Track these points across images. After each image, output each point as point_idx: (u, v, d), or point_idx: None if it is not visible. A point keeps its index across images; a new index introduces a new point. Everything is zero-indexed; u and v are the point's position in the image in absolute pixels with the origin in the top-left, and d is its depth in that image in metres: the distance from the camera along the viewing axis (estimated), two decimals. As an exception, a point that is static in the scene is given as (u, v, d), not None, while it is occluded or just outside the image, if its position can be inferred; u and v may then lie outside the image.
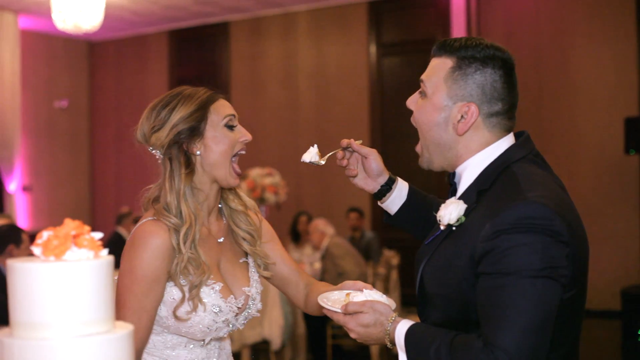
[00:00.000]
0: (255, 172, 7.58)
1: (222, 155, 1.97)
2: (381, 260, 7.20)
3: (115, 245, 7.11)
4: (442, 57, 1.79)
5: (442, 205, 1.74)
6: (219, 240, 2.05)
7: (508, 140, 1.78)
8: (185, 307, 1.89)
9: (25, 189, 10.48)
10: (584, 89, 8.46)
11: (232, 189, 2.09)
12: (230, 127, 2.00)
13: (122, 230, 7.68)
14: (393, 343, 1.73)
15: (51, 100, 11.08)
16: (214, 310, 1.92)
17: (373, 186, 2.12)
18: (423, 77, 1.82)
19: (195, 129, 1.95)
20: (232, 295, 1.98)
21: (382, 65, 9.53)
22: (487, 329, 1.56)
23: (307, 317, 6.10)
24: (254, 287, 2.06)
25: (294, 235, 7.82)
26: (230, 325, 2.00)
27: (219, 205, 2.10)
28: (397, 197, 2.13)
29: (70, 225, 1.21)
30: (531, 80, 8.50)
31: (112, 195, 11.42)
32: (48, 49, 11.05)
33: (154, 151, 1.98)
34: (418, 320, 1.82)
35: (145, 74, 11.30)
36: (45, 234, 1.20)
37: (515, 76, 1.78)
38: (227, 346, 2.11)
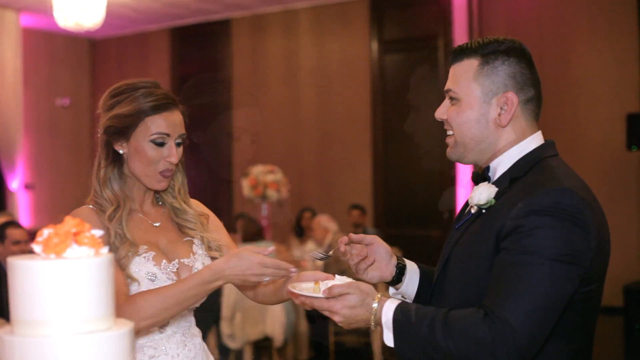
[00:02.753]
0: (257, 170, 7.58)
1: (142, 169, 1.96)
2: (383, 257, 7.18)
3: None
4: (463, 60, 1.82)
5: (474, 188, 1.77)
6: (155, 224, 2.03)
7: (539, 138, 1.82)
8: None
9: (27, 187, 10.48)
10: (585, 85, 8.44)
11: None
12: (159, 144, 1.95)
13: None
14: (378, 323, 1.69)
15: (53, 98, 11.07)
16: (149, 278, 1.90)
17: (390, 271, 1.98)
18: (449, 86, 1.83)
19: (122, 132, 1.95)
20: (164, 260, 1.95)
21: (383, 62, 9.51)
22: (492, 301, 1.56)
23: (309, 314, 6.10)
24: (199, 262, 2.01)
25: (298, 231, 7.81)
26: None
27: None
28: (411, 278, 1.99)
29: (71, 223, 1.21)
30: (533, 77, 8.48)
31: (114, 193, 11.40)
32: (50, 47, 11.04)
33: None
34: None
35: (147, 72, 11.28)
36: (45, 232, 1.20)
37: (534, 63, 1.83)
38: (198, 341, 2.04)
